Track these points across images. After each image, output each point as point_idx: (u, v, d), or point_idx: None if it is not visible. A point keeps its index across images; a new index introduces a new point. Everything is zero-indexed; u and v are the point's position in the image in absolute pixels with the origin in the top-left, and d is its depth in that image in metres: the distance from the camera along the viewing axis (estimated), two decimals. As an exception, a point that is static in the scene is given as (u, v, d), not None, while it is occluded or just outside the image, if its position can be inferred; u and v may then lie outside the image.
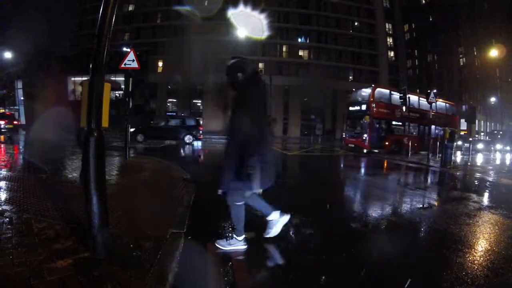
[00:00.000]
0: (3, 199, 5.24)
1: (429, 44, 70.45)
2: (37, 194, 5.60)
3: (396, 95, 23.75)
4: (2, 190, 5.84)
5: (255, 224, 5.10)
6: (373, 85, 25.31)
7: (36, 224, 4.13)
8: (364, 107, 24.40)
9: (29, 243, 3.50)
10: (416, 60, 77.04)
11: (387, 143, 23.55)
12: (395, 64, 64.82)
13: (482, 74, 57.85)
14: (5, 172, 7.73)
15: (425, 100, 24.79)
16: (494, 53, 33.17)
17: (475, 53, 60.05)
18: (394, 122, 24.68)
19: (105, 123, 3.40)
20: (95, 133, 3.20)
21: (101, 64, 3.27)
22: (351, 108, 26.45)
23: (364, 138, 23.60)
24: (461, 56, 64.53)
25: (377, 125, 23.73)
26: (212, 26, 50.57)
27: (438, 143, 22.77)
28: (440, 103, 27.83)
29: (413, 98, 25.63)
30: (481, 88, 57.74)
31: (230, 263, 3.64)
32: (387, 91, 25.33)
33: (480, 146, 33.75)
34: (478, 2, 58.06)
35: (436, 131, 25.42)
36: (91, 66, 3.27)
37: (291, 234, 4.88)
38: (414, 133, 25.69)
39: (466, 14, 59.43)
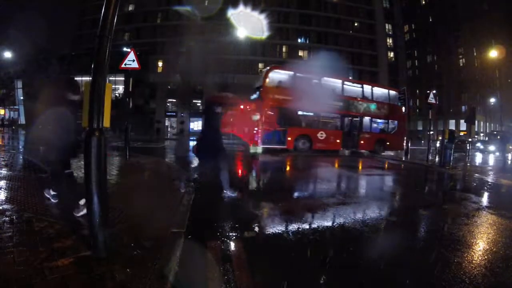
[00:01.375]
0: (4, 198, 5.25)
1: (429, 45, 70.46)
2: (37, 193, 5.62)
3: (303, 77, 19.49)
4: (3, 189, 5.85)
5: (256, 224, 5.14)
6: (270, 66, 21.48)
7: (37, 223, 4.14)
8: (258, 94, 20.06)
9: (30, 242, 3.52)
10: (416, 61, 77.01)
11: (289, 138, 19.25)
12: (395, 65, 64.85)
13: (482, 75, 57.88)
14: (5, 171, 7.74)
15: (356, 85, 23.05)
16: (493, 54, 33.13)
17: (475, 53, 60.08)
18: (301, 113, 20.20)
19: (106, 123, 3.42)
20: (97, 133, 3.22)
21: (103, 64, 3.29)
22: (252, 97, 21.14)
23: (254, 133, 18.90)
24: (460, 56, 64.54)
25: (275, 117, 19.05)
26: (212, 26, 50.54)
27: (376, 140, 22.95)
28: (378, 89, 24.20)
29: (335, 83, 21.37)
30: (480, 89, 57.73)
31: (230, 262, 3.66)
32: (290, 72, 20.23)
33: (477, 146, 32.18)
34: (478, 3, 58.08)
35: (375, 124, 23.20)
36: (92, 66, 3.29)
37: (290, 233, 4.90)
38: (336, 127, 21.70)
39: (466, 15, 59.43)
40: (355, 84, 23.12)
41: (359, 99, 21.98)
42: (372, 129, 23.06)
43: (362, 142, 22.38)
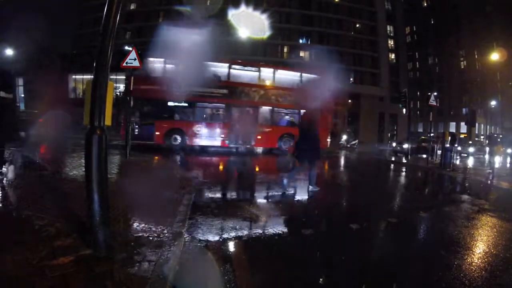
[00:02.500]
0: (4, 196, 5.25)
1: (430, 47, 70.43)
2: (38, 191, 5.61)
3: (173, 63, 16.48)
4: (3, 187, 5.84)
5: (257, 225, 5.13)
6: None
7: (37, 221, 4.13)
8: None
9: (30, 240, 3.50)
10: (417, 63, 76.96)
11: (157, 133, 16.81)
12: (396, 66, 64.74)
13: (483, 78, 57.83)
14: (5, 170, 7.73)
15: (250, 68, 19.40)
16: (495, 56, 33.09)
17: (476, 56, 60.03)
18: (172, 104, 17.37)
19: (108, 121, 3.41)
20: (98, 132, 3.22)
21: (105, 63, 3.29)
22: None
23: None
24: (461, 59, 64.50)
25: (141, 108, 16.65)
26: (213, 26, 50.50)
27: (282, 135, 18.91)
28: (284, 72, 20.34)
29: (218, 67, 18.16)
30: (481, 92, 57.69)
31: (231, 262, 3.66)
32: (158, 59, 17.00)
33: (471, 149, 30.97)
34: (479, 5, 58.03)
35: (278, 116, 19.41)
36: (95, 64, 3.29)
37: (291, 233, 4.90)
38: (221, 119, 18.45)
39: (467, 17, 59.41)
40: (248, 68, 19.41)
41: (253, 84, 18.53)
42: (275, 121, 19.21)
43: (259, 137, 18.57)
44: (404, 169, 15.69)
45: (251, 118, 18.36)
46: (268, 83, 19.15)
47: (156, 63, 16.55)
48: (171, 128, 17.08)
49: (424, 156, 19.96)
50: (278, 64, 55.10)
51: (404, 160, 19.01)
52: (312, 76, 19.51)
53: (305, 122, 8.35)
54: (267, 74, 19.24)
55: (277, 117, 19.34)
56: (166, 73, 16.05)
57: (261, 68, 19.47)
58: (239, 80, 18.46)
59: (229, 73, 18.20)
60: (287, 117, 19.58)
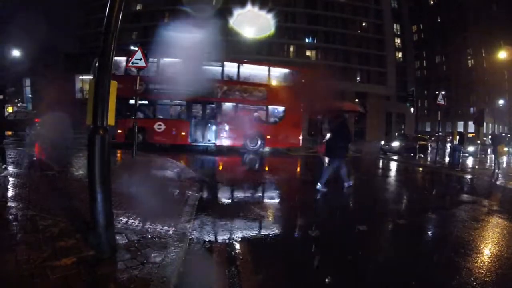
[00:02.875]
0: (9, 195, 5.25)
1: (437, 45, 69.94)
2: (43, 191, 5.61)
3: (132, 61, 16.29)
4: (8, 186, 5.85)
5: (259, 225, 5.09)
6: None
7: (41, 221, 4.12)
8: None
9: (33, 241, 3.49)
10: (424, 61, 76.48)
11: (119, 131, 16.40)
12: (403, 65, 64.37)
13: (490, 76, 57.33)
14: (12, 169, 7.76)
15: (213, 63, 17.96)
16: (502, 55, 32.72)
17: (483, 54, 59.52)
18: (133, 102, 15.31)
19: (111, 121, 3.38)
20: (101, 131, 3.19)
21: (108, 62, 3.27)
22: None
23: None
24: (469, 57, 64.01)
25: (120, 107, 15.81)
26: (219, 25, 50.59)
27: (249, 133, 17.89)
28: (250, 67, 19.12)
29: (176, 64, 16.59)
30: (489, 91, 57.20)
31: (235, 263, 3.61)
32: (123, 58, 16.20)
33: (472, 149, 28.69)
34: (486, 3, 57.54)
35: (244, 112, 18.22)
36: (97, 64, 3.27)
37: (295, 235, 4.86)
38: (181, 116, 17.81)
39: (474, 15, 58.94)
40: (210, 63, 18.12)
41: (216, 80, 17.55)
42: (240, 118, 18.09)
43: (222, 134, 17.91)
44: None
45: (215, 115, 17.98)
46: (233, 78, 18.16)
47: (120, 62, 16.47)
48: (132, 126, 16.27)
49: (421, 155, 19.96)
50: (286, 63, 55.58)
51: (394, 157, 18.87)
52: (282, 70, 19.57)
53: (333, 123, 8.85)
54: (232, 69, 18.29)
55: (242, 113, 18.24)
56: (128, 71, 16.06)
57: (225, 63, 18.33)
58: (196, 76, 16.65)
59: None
60: (255, 114, 18.70)
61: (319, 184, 8.04)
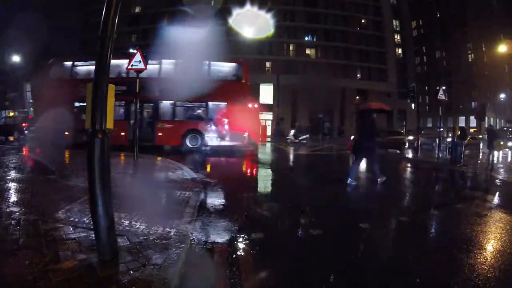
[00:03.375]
0: (11, 200, 5.27)
1: (437, 41, 69.84)
2: (44, 195, 5.64)
3: (81, 67, 17.76)
4: (10, 191, 5.88)
5: (262, 225, 5.10)
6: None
7: (42, 225, 4.15)
8: None
9: (35, 244, 3.52)
10: (425, 57, 76.38)
11: (66, 133, 16.87)
12: (403, 61, 64.30)
13: (491, 71, 57.21)
14: (13, 173, 7.79)
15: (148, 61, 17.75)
16: (502, 49, 32.66)
17: (484, 49, 59.40)
18: (77, 104, 16.93)
19: (109, 124, 3.39)
20: (100, 135, 3.20)
21: (105, 65, 3.28)
22: None
23: None
24: (469, 52, 63.89)
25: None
26: (218, 25, 50.60)
27: (187, 131, 17.51)
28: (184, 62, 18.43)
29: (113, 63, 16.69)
30: (490, 85, 57.05)
31: (237, 264, 3.62)
32: (69, 63, 18.04)
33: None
34: (485, -3, 57.52)
35: (182, 110, 18.14)
36: (95, 67, 3.28)
37: (298, 235, 4.86)
38: (120, 116, 17.31)
39: (474, 10, 58.81)
40: (149, 61, 17.77)
41: (152, 79, 16.91)
42: (178, 116, 18.01)
43: (160, 134, 17.57)
44: (408, 165, 15.54)
45: (152, 113, 17.83)
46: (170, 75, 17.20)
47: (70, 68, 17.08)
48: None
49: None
50: (286, 61, 55.52)
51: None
52: (225, 65, 18.70)
53: (361, 122, 9.44)
54: (169, 66, 17.63)
55: (179, 111, 18.11)
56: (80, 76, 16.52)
57: (163, 61, 17.77)
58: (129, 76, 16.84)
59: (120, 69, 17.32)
60: (195, 111, 18.43)
61: (349, 179, 8.69)
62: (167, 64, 17.63)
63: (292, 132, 28.10)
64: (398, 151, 20.55)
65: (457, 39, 63.30)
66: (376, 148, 9.42)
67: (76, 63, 18.00)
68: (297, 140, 26.54)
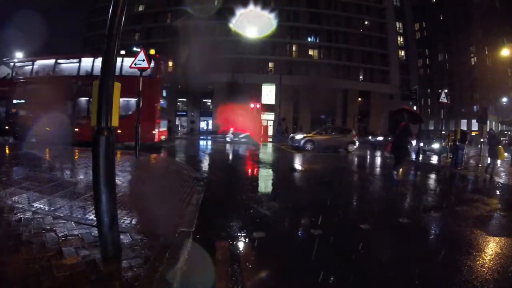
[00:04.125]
0: (14, 196, 5.30)
1: (440, 43, 69.69)
2: (47, 192, 5.66)
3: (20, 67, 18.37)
4: (13, 187, 5.90)
5: (264, 225, 5.12)
6: None
7: (45, 221, 4.18)
8: None
9: (38, 240, 3.55)
10: (427, 59, 76.22)
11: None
12: (406, 64, 64.28)
13: (494, 74, 57.07)
14: (17, 170, 7.82)
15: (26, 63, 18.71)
16: (505, 52, 32.61)
17: (486, 52, 59.26)
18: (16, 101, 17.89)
19: (115, 122, 3.42)
20: (105, 132, 3.23)
21: (111, 64, 3.30)
22: None
23: None
24: (472, 55, 63.71)
25: None
26: (221, 25, 50.63)
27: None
28: (86, 60, 18.00)
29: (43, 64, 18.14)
30: (492, 88, 56.91)
31: (239, 262, 3.65)
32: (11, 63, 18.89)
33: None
34: (489, 0, 57.30)
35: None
36: (101, 66, 3.31)
37: (299, 234, 4.88)
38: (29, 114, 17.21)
39: (477, 13, 58.66)
40: (69, 60, 18.41)
41: (71, 77, 17.46)
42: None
43: (77, 130, 17.14)
44: (412, 168, 15.53)
45: (68, 112, 17.42)
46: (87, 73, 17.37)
47: None
48: None
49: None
50: (289, 62, 55.48)
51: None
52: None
53: (397, 125, 10.59)
54: (88, 64, 17.62)
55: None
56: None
57: (82, 59, 17.96)
58: (61, 74, 17.92)
59: (32, 67, 18.11)
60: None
61: (394, 172, 10.13)
62: (86, 62, 17.76)
63: (231, 130, 27.83)
64: (345, 150, 21.08)
65: (460, 42, 63.15)
66: (407, 149, 11.13)
67: (16, 63, 18.64)
68: (236, 138, 26.90)
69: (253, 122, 18.97)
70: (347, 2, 58.51)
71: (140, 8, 59.12)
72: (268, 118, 50.18)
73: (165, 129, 18.67)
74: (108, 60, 3.28)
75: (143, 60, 11.09)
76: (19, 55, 33.77)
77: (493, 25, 54.82)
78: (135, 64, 11.11)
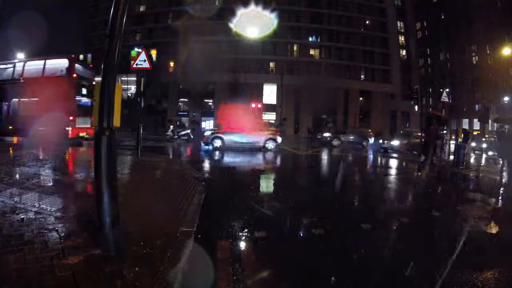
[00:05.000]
0: (16, 195, 5.31)
1: (441, 42, 69.47)
2: (49, 191, 5.68)
3: None
4: (15, 187, 5.92)
5: (265, 225, 5.12)
6: None
7: (48, 221, 4.19)
8: None
9: (40, 240, 3.56)
10: (429, 59, 75.96)
11: None
12: (407, 63, 64.12)
13: (495, 73, 56.87)
14: (18, 169, 7.85)
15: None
16: (507, 51, 32.53)
17: (488, 51, 59.07)
18: None
19: (116, 122, 3.44)
20: (107, 132, 3.24)
21: (113, 64, 3.32)
22: None
23: None
24: (473, 54, 63.49)
25: None
26: (222, 25, 50.64)
27: None
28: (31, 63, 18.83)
29: None
30: (494, 87, 56.72)
31: (240, 262, 3.65)
32: None
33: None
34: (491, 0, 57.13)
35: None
36: (102, 66, 3.32)
37: (301, 234, 4.89)
38: None
39: (479, 12, 58.45)
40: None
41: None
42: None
43: (10, 127, 17.79)
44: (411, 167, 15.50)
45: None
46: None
47: None
48: None
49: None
50: (290, 62, 55.46)
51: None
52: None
53: (427, 128, 13.85)
54: (19, 69, 18.51)
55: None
56: None
57: (16, 64, 19.01)
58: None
59: None
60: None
61: (423, 161, 12.91)
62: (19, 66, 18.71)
63: (171, 128, 27.60)
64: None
65: (461, 41, 62.94)
66: (432, 147, 13.15)
67: None
68: (176, 136, 26.50)
69: (254, 122, 18.94)
70: (348, 2, 58.46)
71: (142, 9, 59.16)
72: (270, 118, 50.22)
73: (87, 126, 18.46)
74: (109, 60, 3.29)
75: (145, 61, 11.07)
76: (20, 55, 33.84)
77: (494, 24, 54.66)
78: (136, 64, 11.09)
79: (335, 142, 25.63)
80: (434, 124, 13.56)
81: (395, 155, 19.61)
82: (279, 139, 19.83)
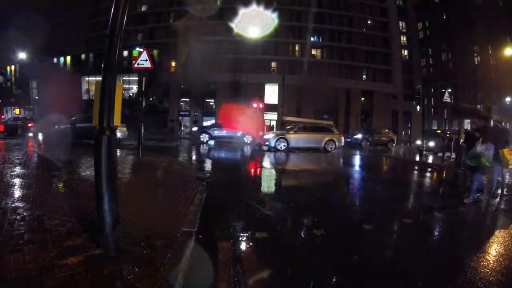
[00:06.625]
0: (16, 195, 5.31)
1: (443, 43, 69.41)
2: (50, 191, 5.67)
3: None
4: (15, 186, 5.92)
5: (266, 224, 5.11)
6: None
7: (48, 221, 4.18)
8: None
9: (40, 240, 3.55)
10: (430, 59, 75.91)
11: None
12: (409, 63, 64.04)
13: (497, 73, 56.78)
14: (19, 169, 7.85)
15: None
16: (509, 51, 32.47)
17: (490, 51, 59.02)
18: None
19: (117, 122, 3.42)
20: (107, 132, 3.23)
21: (113, 64, 3.30)
22: None
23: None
24: (475, 54, 63.46)
25: None
26: (223, 25, 50.69)
27: None
28: None
29: None
30: (496, 88, 56.64)
31: (241, 263, 3.64)
32: None
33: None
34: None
35: None
36: (103, 65, 3.31)
37: (302, 235, 4.87)
38: None
39: (481, 12, 58.37)
40: None
41: None
42: None
43: None
44: (415, 168, 15.49)
45: None
46: None
47: None
48: None
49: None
50: (291, 62, 55.44)
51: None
52: None
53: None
54: None
55: None
56: None
57: None
58: None
59: None
60: None
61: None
62: None
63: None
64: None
65: (463, 41, 62.84)
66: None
67: None
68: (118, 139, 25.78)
69: (255, 122, 18.97)
70: (350, 2, 58.41)
71: (143, 8, 59.21)
72: (271, 118, 50.22)
73: None
74: (110, 60, 3.28)
75: (146, 61, 11.08)
76: (21, 55, 33.93)
77: (496, 24, 54.56)
78: (138, 64, 11.10)
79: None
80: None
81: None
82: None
